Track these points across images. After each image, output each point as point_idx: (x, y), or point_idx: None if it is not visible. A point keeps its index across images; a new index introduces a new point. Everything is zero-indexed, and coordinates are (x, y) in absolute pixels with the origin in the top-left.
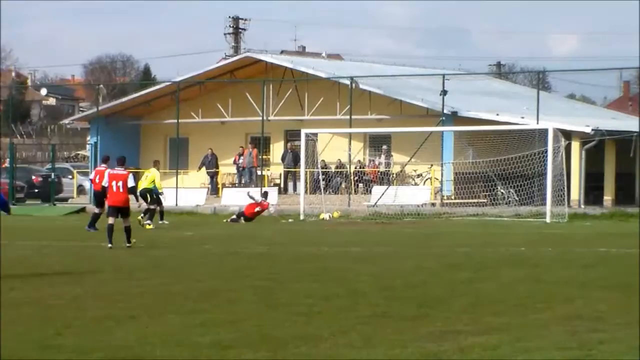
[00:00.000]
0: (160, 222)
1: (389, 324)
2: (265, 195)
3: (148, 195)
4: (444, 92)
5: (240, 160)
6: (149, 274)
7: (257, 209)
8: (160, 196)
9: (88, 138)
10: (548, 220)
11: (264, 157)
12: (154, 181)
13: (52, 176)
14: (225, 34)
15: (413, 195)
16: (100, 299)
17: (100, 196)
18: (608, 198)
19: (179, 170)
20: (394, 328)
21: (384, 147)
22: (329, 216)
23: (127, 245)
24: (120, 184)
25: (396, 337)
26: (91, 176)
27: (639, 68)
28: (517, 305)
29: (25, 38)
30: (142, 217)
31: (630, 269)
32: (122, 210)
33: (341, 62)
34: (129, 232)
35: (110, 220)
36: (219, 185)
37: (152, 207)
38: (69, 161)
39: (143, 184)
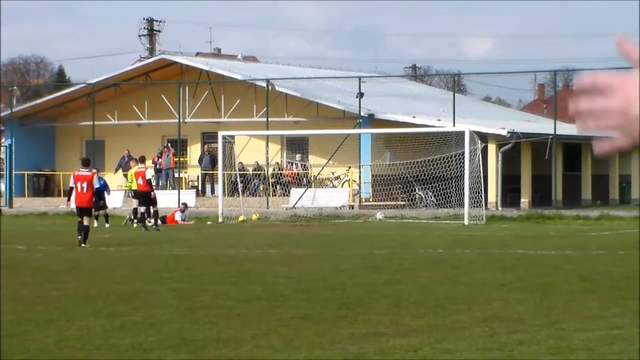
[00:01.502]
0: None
1: (310, 326)
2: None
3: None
4: (360, 95)
5: (159, 161)
6: (68, 277)
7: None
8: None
9: (2, 140)
10: (466, 222)
11: (182, 159)
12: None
13: None
14: (139, 36)
15: (331, 198)
16: (19, 302)
17: (141, 195)
18: (525, 200)
19: (97, 172)
20: (315, 330)
21: (297, 156)
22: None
23: (83, 245)
24: (85, 184)
25: (317, 339)
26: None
27: (553, 71)
28: (436, 307)
29: None
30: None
31: (548, 271)
32: (83, 210)
33: (257, 65)
34: (87, 232)
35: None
36: None
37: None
38: None
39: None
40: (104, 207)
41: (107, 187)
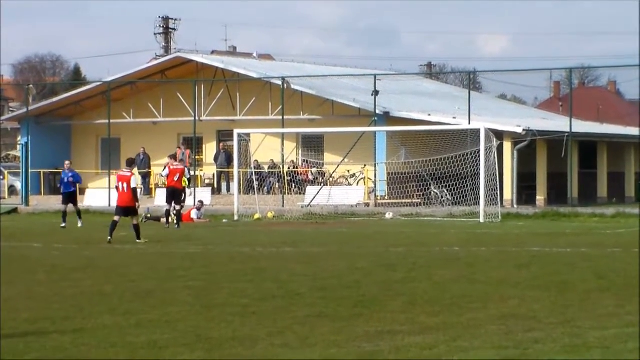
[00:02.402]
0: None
1: (325, 324)
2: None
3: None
4: (376, 93)
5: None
6: (83, 275)
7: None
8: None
9: (19, 138)
10: (481, 220)
11: (197, 157)
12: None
13: None
14: (155, 34)
15: (347, 196)
16: (35, 300)
17: (172, 192)
18: (540, 198)
19: (111, 171)
20: (330, 328)
21: (314, 169)
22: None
23: (138, 240)
24: (125, 185)
25: (333, 337)
26: (164, 172)
27: (569, 69)
28: (452, 305)
29: None
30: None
31: (563, 268)
32: (128, 210)
33: (272, 63)
34: (138, 229)
35: (116, 218)
36: (152, 186)
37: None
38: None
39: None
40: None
41: (76, 183)
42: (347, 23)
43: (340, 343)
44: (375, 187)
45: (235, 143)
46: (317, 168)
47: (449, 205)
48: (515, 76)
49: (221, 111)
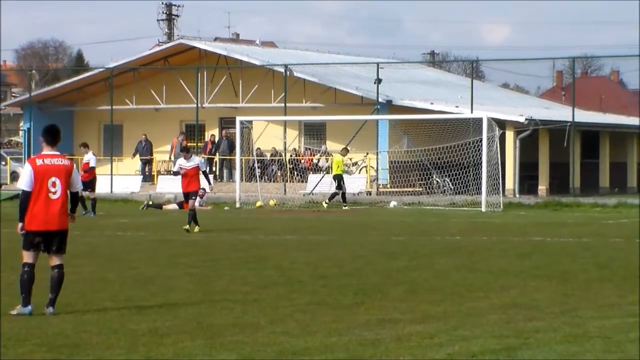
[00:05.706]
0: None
1: (326, 312)
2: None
3: (336, 180)
4: (379, 81)
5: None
6: (84, 261)
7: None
8: (342, 181)
9: (21, 124)
10: (483, 209)
11: (199, 144)
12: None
13: None
14: (158, 21)
15: (349, 184)
16: (36, 286)
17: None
18: (542, 187)
19: (113, 157)
20: (332, 316)
21: (323, 147)
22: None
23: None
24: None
25: (334, 325)
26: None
27: (572, 58)
28: (453, 293)
29: None
30: (326, 202)
31: (565, 258)
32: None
33: (275, 50)
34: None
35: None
36: (154, 172)
37: (337, 191)
38: (1, 147)
39: (334, 170)
40: None
41: None
42: (350, 11)
43: (341, 331)
44: (377, 175)
45: (237, 130)
46: (325, 155)
47: (451, 194)
48: (518, 65)
49: (223, 98)
